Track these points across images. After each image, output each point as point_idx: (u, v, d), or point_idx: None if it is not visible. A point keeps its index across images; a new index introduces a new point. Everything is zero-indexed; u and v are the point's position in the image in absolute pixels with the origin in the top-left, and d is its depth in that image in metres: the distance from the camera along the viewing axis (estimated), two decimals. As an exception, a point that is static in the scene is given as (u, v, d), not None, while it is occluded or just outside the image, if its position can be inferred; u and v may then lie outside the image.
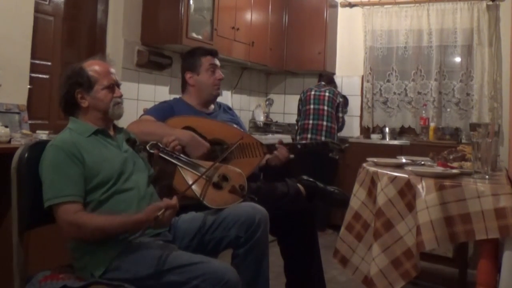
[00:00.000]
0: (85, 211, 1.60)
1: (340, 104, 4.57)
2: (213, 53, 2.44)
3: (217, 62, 2.42)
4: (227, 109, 2.58)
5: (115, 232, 1.58)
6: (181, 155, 1.89)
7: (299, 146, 2.37)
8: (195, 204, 1.88)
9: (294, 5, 5.08)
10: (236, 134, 2.27)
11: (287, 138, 4.56)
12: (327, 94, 4.50)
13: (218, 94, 2.45)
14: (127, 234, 1.61)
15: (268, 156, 2.32)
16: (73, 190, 1.58)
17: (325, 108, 4.45)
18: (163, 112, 2.27)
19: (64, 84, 1.76)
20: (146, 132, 2.09)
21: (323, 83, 4.70)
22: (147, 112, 2.33)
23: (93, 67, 1.76)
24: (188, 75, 2.39)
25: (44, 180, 1.60)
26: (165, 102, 2.46)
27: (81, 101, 1.75)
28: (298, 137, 4.52)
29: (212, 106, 2.47)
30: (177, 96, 2.56)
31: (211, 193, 1.84)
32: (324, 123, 4.42)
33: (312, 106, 4.49)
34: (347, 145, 2.42)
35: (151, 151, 1.81)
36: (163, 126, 2.16)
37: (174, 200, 1.56)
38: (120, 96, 1.80)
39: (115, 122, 1.87)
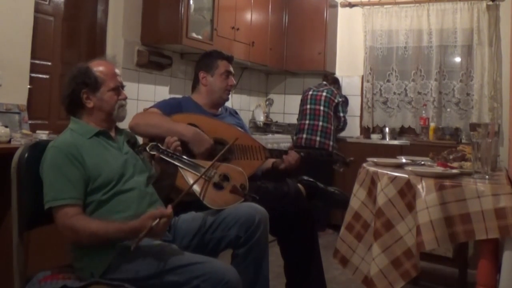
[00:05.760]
0: (84, 214, 1.59)
1: (340, 104, 4.55)
2: (230, 60, 2.47)
3: (232, 69, 2.45)
4: (234, 113, 2.60)
5: (110, 238, 1.56)
6: (182, 156, 1.90)
7: (302, 154, 2.36)
8: (195, 204, 1.88)
9: (294, 5, 5.08)
10: (238, 135, 2.27)
11: (287, 138, 4.57)
12: (324, 94, 4.49)
13: (228, 99, 2.47)
14: (122, 241, 1.57)
15: (273, 160, 2.33)
16: (72, 193, 1.58)
17: (321, 108, 4.44)
18: (170, 107, 2.28)
19: (70, 83, 1.75)
20: (151, 124, 2.14)
21: (324, 82, 4.70)
22: (154, 105, 2.35)
23: (99, 67, 1.76)
24: (202, 75, 2.41)
25: (44, 181, 1.60)
26: (174, 98, 2.48)
27: (86, 101, 1.74)
28: (294, 137, 4.52)
29: (220, 109, 2.49)
30: (177, 96, 2.57)
31: (212, 193, 1.84)
32: (320, 123, 4.41)
33: (308, 106, 4.49)
34: (351, 158, 2.42)
35: (152, 152, 1.81)
36: (167, 120, 2.17)
37: (169, 209, 1.52)
38: (125, 99, 1.80)
39: (117, 123, 1.87)
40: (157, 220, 1.48)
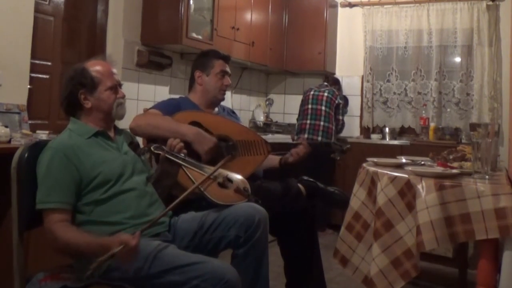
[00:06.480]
0: (67, 222, 1.57)
1: (340, 105, 4.56)
2: (227, 59, 2.46)
3: (228, 69, 2.45)
4: (231, 113, 2.60)
5: (80, 252, 1.53)
6: (187, 157, 1.90)
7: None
8: (195, 204, 1.88)
9: (294, 5, 5.08)
10: (241, 130, 2.29)
11: (286, 138, 4.56)
12: (325, 94, 4.50)
13: (223, 99, 2.47)
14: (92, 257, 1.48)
15: (279, 157, 2.34)
16: (61, 197, 1.58)
17: (323, 108, 4.45)
18: (171, 107, 2.27)
19: (67, 84, 1.75)
20: (153, 125, 2.11)
21: (325, 83, 4.71)
22: (154, 106, 2.34)
23: (95, 67, 1.76)
24: (197, 74, 2.41)
25: (38, 181, 1.60)
26: (173, 99, 2.48)
27: (84, 102, 1.74)
28: (296, 137, 4.52)
29: (216, 109, 2.49)
30: (176, 96, 2.57)
31: (217, 190, 1.86)
32: (321, 123, 4.42)
33: (310, 106, 4.50)
34: (348, 146, 2.43)
35: (157, 151, 1.82)
36: (169, 121, 2.15)
37: (135, 239, 1.42)
38: (123, 97, 1.81)
39: (116, 123, 1.87)
40: (121, 246, 1.39)
